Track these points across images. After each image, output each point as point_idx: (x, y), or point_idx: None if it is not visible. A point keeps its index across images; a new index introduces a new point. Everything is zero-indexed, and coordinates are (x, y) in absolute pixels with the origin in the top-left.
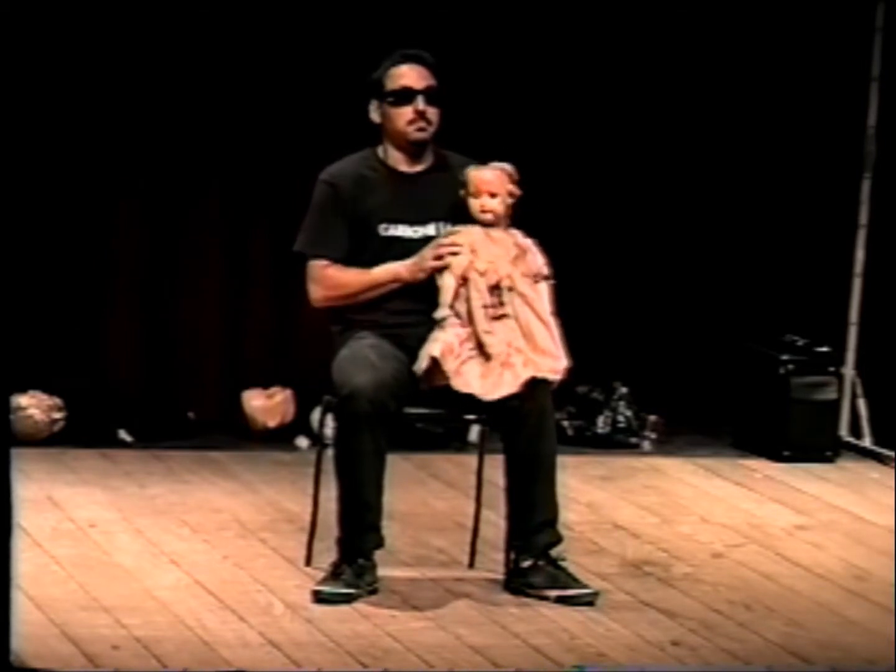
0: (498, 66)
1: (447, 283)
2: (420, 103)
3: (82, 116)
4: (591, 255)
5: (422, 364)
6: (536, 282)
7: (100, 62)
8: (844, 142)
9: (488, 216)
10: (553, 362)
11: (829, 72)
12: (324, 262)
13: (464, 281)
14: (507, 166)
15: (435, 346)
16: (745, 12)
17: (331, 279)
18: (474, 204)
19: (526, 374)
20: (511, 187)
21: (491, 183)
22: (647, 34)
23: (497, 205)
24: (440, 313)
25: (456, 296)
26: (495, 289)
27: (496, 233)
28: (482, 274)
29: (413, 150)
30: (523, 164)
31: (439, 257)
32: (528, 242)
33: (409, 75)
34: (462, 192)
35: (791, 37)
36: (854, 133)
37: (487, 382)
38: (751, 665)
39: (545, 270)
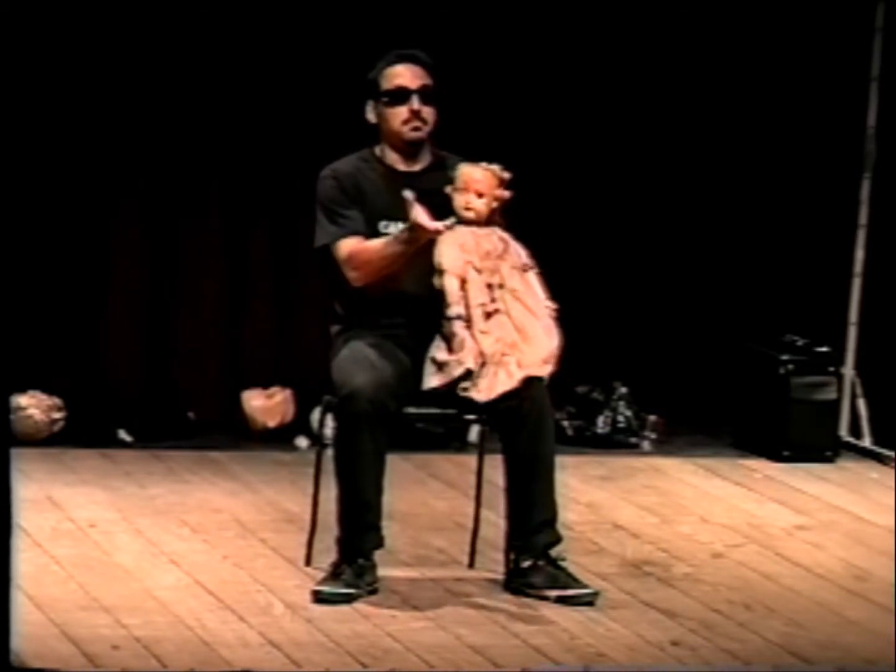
0: (495, 66)
1: (450, 282)
2: (415, 103)
3: (82, 117)
4: (590, 254)
5: (453, 372)
6: (525, 271)
7: (99, 62)
8: (844, 142)
9: (470, 214)
10: (545, 351)
11: (829, 72)
12: (344, 243)
13: (462, 282)
14: (497, 168)
15: (468, 357)
16: (745, 12)
17: (356, 258)
18: (459, 200)
19: (520, 374)
20: (498, 191)
21: (480, 182)
22: (647, 32)
23: (482, 205)
24: (454, 311)
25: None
26: (488, 286)
27: (481, 230)
28: (479, 272)
29: (409, 149)
30: (521, 164)
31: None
32: (506, 235)
33: (403, 75)
34: (449, 188)
35: (791, 37)
36: (854, 133)
37: (483, 384)
38: (751, 665)
39: (529, 260)
